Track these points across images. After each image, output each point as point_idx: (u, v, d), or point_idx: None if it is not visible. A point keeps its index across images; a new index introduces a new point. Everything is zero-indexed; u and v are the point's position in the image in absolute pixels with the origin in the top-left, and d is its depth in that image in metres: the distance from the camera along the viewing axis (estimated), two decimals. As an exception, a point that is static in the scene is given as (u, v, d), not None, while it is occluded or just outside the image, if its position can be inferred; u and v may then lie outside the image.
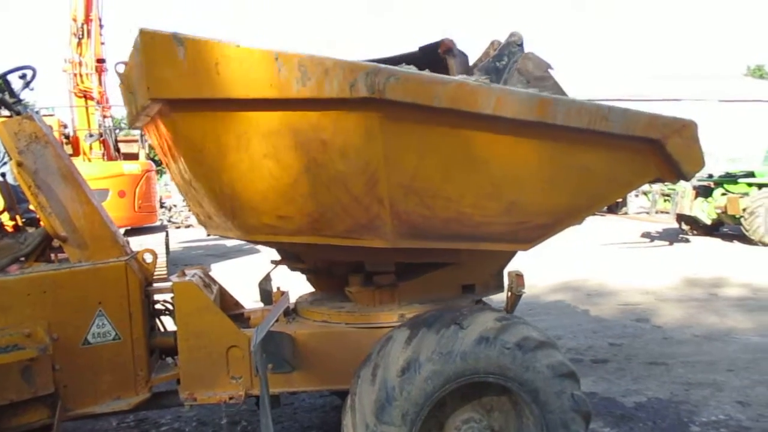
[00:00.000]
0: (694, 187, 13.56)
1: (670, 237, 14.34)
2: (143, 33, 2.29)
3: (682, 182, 14.43)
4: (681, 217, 14.36)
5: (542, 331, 2.73)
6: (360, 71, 2.26)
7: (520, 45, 3.20)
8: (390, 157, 2.41)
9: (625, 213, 21.26)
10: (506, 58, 3.20)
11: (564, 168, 2.69)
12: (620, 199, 20.97)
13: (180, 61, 2.28)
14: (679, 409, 4.13)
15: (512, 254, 3.34)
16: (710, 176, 14.33)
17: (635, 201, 20.02)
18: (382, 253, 2.72)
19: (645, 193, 15.58)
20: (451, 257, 3.11)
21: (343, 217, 2.54)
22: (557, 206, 2.80)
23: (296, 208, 2.55)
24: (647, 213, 17.45)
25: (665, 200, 14.66)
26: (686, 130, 2.74)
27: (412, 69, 2.40)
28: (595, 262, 10.82)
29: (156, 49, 2.29)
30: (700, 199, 13.48)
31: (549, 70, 3.08)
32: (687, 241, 13.90)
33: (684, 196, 13.55)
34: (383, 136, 2.38)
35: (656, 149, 2.74)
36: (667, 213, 15.02)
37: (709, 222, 13.50)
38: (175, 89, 2.32)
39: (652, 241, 14.18)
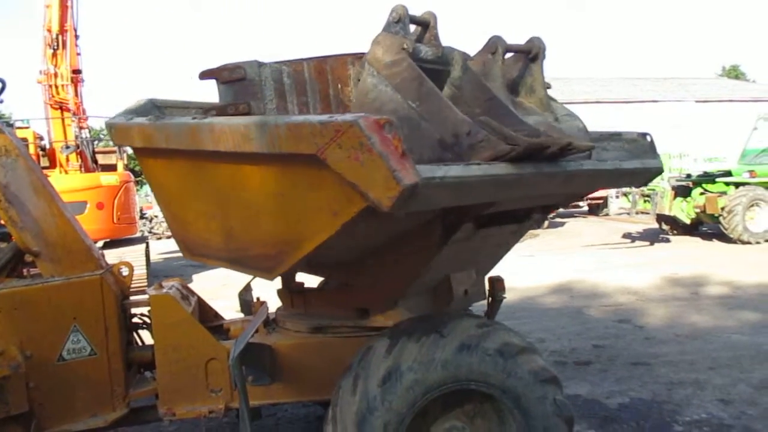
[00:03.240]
0: (673, 188, 13.71)
1: (651, 237, 14.46)
2: None
3: (660, 182, 14.47)
4: (661, 217, 14.51)
5: (523, 337, 2.72)
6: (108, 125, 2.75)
7: (398, 22, 2.56)
8: (151, 186, 2.92)
9: (606, 214, 21.47)
10: None
11: (261, 195, 2.39)
12: (600, 201, 21.23)
13: None
14: (662, 409, 4.14)
15: (402, 285, 2.86)
16: (689, 176, 14.52)
17: (616, 202, 20.19)
18: None
19: (625, 194, 15.71)
20: (334, 276, 3.15)
21: None
22: (269, 235, 2.47)
23: None
24: (628, 214, 17.61)
25: (645, 201, 14.80)
26: (346, 135, 1.87)
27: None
28: (577, 264, 10.88)
29: None
30: (679, 198, 13.62)
31: (402, 51, 2.53)
32: (667, 240, 14.03)
33: (663, 197, 13.69)
34: (143, 168, 2.87)
35: (329, 168, 1.98)
36: (648, 213, 15.18)
37: (688, 221, 13.65)
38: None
39: (633, 241, 14.29)
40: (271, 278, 2.58)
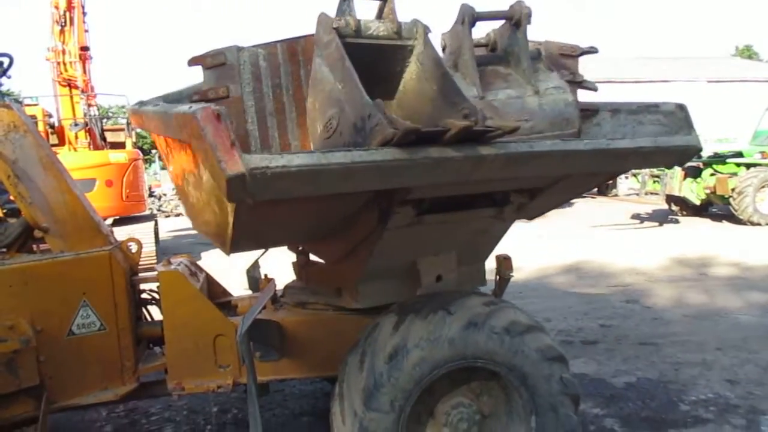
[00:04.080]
0: (683, 168, 13.57)
1: (660, 218, 14.39)
2: None
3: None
4: (670, 198, 14.41)
5: (530, 315, 2.72)
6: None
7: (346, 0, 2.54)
8: (167, 164, 2.85)
9: (615, 195, 21.33)
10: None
11: (195, 178, 2.36)
12: (610, 181, 21.08)
13: None
14: (668, 388, 4.15)
15: (357, 269, 2.84)
16: (699, 156, 14.36)
17: (625, 183, 20.06)
18: None
19: (634, 175, 15.59)
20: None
21: None
22: (208, 216, 2.52)
23: None
24: (637, 194, 17.50)
25: (654, 181, 14.68)
26: (191, 127, 1.89)
27: None
28: (586, 244, 10.85)
29: None
30: (689, 179, 13.51)
31: (332, 32, 2.50)
32: (676, 221, 13.95)
33: (673, 177, 13.57)
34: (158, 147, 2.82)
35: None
36: (657, 194, 15.06)
37: (698, 202, 13.55)
38: None
39: (641, 222, 14.22)
40: (227, 253, 2.69)
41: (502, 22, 2.98)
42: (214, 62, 2.82)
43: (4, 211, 3.24)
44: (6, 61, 3.17)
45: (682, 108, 2.82)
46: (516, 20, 2.86)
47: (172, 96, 2.75)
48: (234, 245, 2.58)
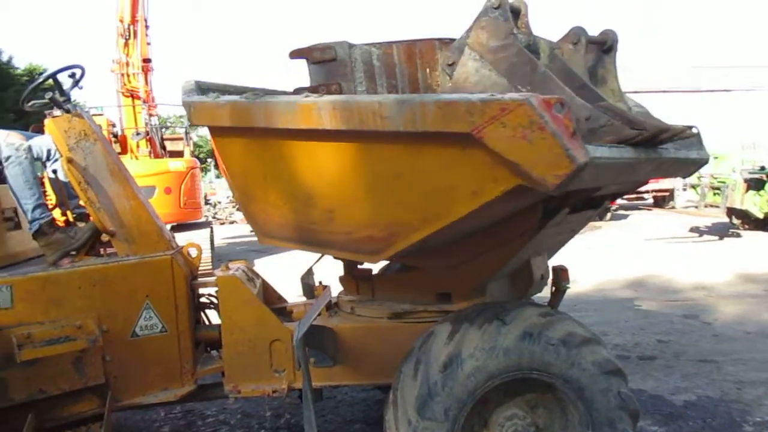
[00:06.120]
0: (746, 180, 13.10)
1: (720, 231, 13.90)
2: None
3: (732, 174, 13.87)
4: (732, 211, 13.91)
5: (587, 328, 2.67)
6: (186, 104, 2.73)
7: (498, 8, 2.53)
8: (227, 168, 2.88)
9: (672, 207, 20.73)
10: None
11: (375, 176, 2.35)
12: (666, 193, 20.50)
13: None
14: (730, 408, 4.00)
15: (494, 269, 2.86)
16: (762, 168, 13.81)
17: (683, 194, 19.45)
18: None
19: (693, 186, 15.12)
20: (415, 261, 2.99)
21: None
22: (382, 218, 2.43)
23: None
24: (695, 207, 16.96)
25: (715, 194, 14.21)
26: (513, 114, 1.87)
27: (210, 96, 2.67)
28: (641, 257, 10.57)
29: None
30: (751, 192, 13.01)
31: (510, 36, 2.51)
32: (738, 235, 13.44)
33: (735, 189, 13.11)
34: (217, 153, 2.86)
35: (482, 147, 1.98)
36: (717, 207, 14.55)
37: (761, 216, 13.03)
38: None
39: (700, 235, 13.77)
40: (376, 261, 2.61)
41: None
42: (323, 57, 2.78)
43: (74, 215, 3.38)
44: (78, 72, 3.31)
45: (691, 128, 2.88)
46: (608, 46, 2.90)
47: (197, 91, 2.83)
48: (403, 250, 2.46)
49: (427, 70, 2.92)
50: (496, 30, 2.50)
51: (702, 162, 2.97)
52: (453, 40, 2.83)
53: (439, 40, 2.93)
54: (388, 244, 2.47)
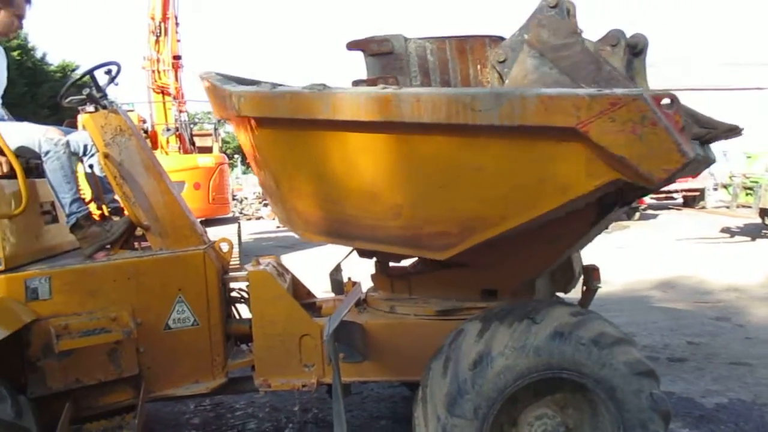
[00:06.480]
0: (781, 180, 12.81)
1: (753, 232, 13.63)
2: None
3: (765, 174, 13.56)
4: (765, 212, 13.60)
5: (618, 328, 2.65)
6: (226, 95, 2.64)
7: (555, 6, 2.56)
8: (269, 161, 2.80)
9: (703, 207, 20.33)
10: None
11: (453, 170, 2.32)
12: (697, 193, 20.12)
13: None
14: (763, 411, 3.93)
15: (545, 264, 2.91)
16: (798, 168, 13.52)
17: (714, 194, 19.06)
18: None
19: (725, 186, 14.82)
20: (463, 258, 2.90)
21: (275, 209, 3.14)
22: (458, 212, 2.42)
23: None
24: (727, 207, 16.59)
25: (747, 194, 13.91)
26: (624, 109, 1.91)
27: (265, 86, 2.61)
28: (671, 258, 10.41)
29: None
30: (786, 192, 12.72)
31: (574, 35, 2.54)
32: (771, 237, 13.18)
33: (768, 190, 12.82)
34: (260, 145, 2.76)
35: (584, 141, 2.01)
36: (749, 207, 14.22)
37: (795, 217, 12.75)
38: None
39: (732, 236, 13.52)
40: (444, 257, 2.59)
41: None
42: (379, 49, 2.79)
43: (109, 209, 3.44)
44: (114, 68, 3.37)
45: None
46: (639, 49, 2.86)
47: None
48: (477, 245, 2.45)
49: (478, 66, 2.93)
50: (558, 28, 2.53)
51: (710, 161, 2.86)
52: (501, 38, 2.84)
53: (489, 37, 2.94)
54: (461, 239, 2.47)
